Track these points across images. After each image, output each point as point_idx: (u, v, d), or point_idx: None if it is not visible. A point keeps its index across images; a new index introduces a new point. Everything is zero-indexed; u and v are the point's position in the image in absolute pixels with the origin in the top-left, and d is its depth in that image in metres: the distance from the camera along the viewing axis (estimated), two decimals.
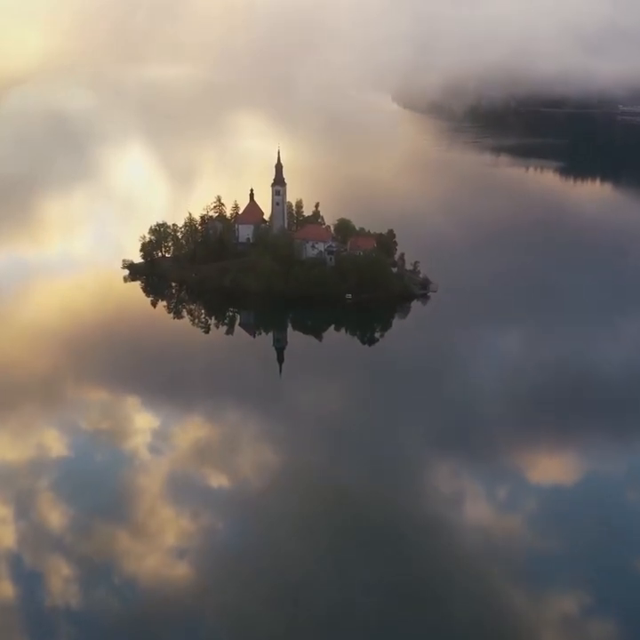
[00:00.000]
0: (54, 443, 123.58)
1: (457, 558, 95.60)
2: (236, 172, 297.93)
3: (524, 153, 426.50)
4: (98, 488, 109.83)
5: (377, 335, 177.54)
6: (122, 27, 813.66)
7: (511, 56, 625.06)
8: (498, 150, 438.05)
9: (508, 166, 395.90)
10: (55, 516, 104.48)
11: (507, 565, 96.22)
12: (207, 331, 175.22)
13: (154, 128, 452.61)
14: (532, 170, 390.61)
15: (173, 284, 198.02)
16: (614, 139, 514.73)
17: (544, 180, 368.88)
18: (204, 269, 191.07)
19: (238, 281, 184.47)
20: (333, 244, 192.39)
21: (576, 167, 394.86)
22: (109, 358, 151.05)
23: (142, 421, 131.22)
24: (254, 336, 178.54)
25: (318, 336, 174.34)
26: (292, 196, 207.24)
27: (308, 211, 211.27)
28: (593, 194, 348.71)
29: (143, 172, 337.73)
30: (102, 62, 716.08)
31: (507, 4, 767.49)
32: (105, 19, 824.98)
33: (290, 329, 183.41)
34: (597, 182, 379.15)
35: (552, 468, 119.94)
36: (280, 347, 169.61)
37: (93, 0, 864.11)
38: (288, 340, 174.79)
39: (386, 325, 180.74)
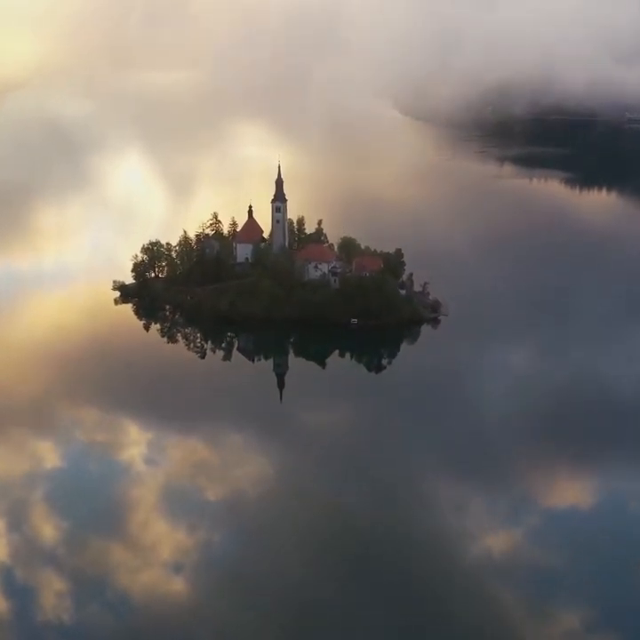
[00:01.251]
0: (47, 462, 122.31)
1: (461, 573, 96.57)
2: (234, 183, 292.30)
3: (530, 162, 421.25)
4: (92, 506, 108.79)
5: (384, 361, 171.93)
6: (119, 31, 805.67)
7: (522, 63, 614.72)
8: (503, 160, 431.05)
9: (513, 176, 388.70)
10: (50, 534, 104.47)
11: (514, 584, 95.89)
12: (203, 356, 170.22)
13: (151, 135, 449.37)
14: (537, 180, 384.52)
15: (167, 307, 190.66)
16: (621, 146, 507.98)
17: (551, 191, 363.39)
18: (200, 292, 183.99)
19: (236, 304, 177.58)
20: (337, 265, 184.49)
21: (584, 176, 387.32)
22: (99, 383, 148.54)
23: (138, 445, 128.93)
24: (253, 361, 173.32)
25: (321, 362, 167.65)
26: (293, 211, 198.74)
27: (310, 228, 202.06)
28: (601, 204, 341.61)
29: (140, 181, 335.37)
30: (99, 67, 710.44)
31: (523, 8, 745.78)
32: (101, 22, 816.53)
33: (291, 354, 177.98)
34: (604, 191, 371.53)
35: (568, 494, 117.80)
36: (280, 372, 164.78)
37: (89, 3, 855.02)
38: (289, 365, 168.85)
39: (393, 351, 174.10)
